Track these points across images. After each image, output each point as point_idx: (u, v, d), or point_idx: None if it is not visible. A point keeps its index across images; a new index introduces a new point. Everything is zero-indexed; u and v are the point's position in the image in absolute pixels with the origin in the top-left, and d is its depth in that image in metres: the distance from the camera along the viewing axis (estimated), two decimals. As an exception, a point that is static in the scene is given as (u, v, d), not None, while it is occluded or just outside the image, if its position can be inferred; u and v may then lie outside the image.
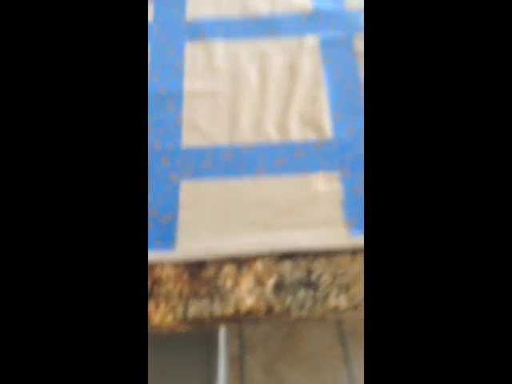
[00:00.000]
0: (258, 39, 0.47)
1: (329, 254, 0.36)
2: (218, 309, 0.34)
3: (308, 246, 0.36)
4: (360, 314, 0.35)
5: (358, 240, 0.36)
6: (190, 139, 0.41)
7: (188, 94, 0.43)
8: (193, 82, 0.44)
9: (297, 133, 0.41)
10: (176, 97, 0.43)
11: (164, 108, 0.43)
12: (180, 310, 0.34)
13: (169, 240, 0.36)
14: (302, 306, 0.34)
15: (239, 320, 0.34)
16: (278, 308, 0.34)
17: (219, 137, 0.41)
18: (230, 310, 0.34)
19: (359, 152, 0.40)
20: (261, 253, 0.36)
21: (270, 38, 0.47)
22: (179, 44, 0.47)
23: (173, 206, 0.38)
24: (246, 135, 0.41)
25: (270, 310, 0.34)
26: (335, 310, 0.35)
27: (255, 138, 0.41)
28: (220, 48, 0.47)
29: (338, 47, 0.46)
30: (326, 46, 0.46)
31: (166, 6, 0.50)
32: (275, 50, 0.46)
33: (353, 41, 0.47)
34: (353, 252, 0.36)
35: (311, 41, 0.47)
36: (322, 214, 0.37)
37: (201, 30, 0.48)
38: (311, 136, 0.41)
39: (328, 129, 0.41)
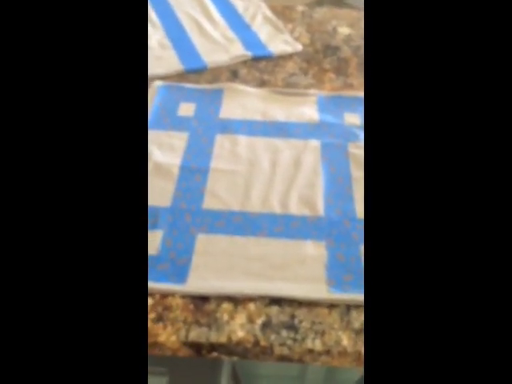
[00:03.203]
0: (273, 138, 0.60)
1: (310, 305, 0.43)
2: (214, 336, 0.41)
3: (293, 296, 0.43)
4: (332, 360, 0.42)
5: (336, 296, 0.44)
6: (209, 203, 0.51)
7: (213, 171, 0.55)
8: (217, 163, 0.56)
9: (295, 209, 0.51)
10: (203, 172, 0.55)
11: (193, 179, 0.54)
12: (183, 333, 0.41)
13: (182, 277, 0.44)
14: (283, 344, 0.41)
15: (230, 349, 0.41)
16: (263, 343, 0.41)
17: (233, 204, 0.51)
18: (223, 339, 0.41)
19: (344, 229, 0.49)
20: (254, 296, 0.43)
21: (282, 138, 0.60)
22: (211, 135, 0.60)
23: (189, 252, 0.47)
24: (255, 206, 0.51)
25: (256, 343, 0.41)
26: (311, 351, 0.41)
27: (262, 209, 0.51)
28: (242, 141, 0.59)
29: (335, 150, 0.58)
30: (325, 148, 0.59)
31: (204, 107, 0.64)
32: (285, 147, 0.59)
33: (347, 147, 0.59)
34: (330, 306, 0.43)
35: (314, 143, 0.59)
36: (308, 272, 0.45)
37: (229, 127, 0.61)
38: (306, 213, 0.51)
39: (321, 209, 0.51)
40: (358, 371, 0.85)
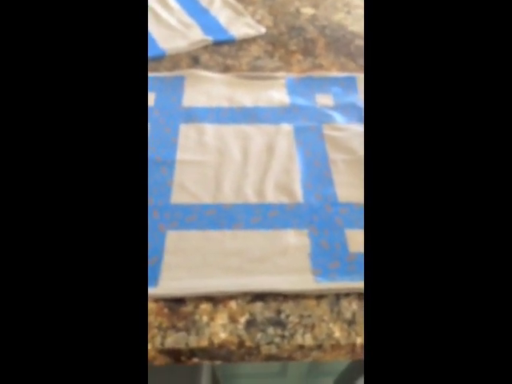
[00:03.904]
0: (242, 125, 0.56)
1: (296, 297, 0.40)
2: (193, 340, 0.37)
3: (278, 289, 0.40)
4: (324, 355, 0.38)
5: (323, 286, 0.40)
6: (178, 197, 0.47)
7: (179, 163, 0.51)
8: (184, 154, 0.52)
9: (272, 197, 0.48)
10: (169, 164, 0.50)
11: (159, 172, 0.49)
12: (158, 340, 0.36)
13: (153, 279, 0.40)
14: (270, 342, 0.37)
15: (213, 353, 0.37)
16: (248, 343, 0.37)
17: (204, 197, 0.47)
18: (204, 343, 0.37)
19: (325, 214, 0.46)
20: (235, 293, 0.39)
21: (252, 124, 0.56)
22: (175, 125, 0.56)
23: (159, 251, 0.42)
24: (228, 197, 0.47)
25: (241, 344, 0.37)
26: (301, 347, 0.38)
27: (236, 200, 0.47)
28: (209, 129, 0.55)
29: (309, 133, 0.55)
30: (299, 131, 0.55)
31: (165, 96, 0.60)
32: (256, 133, 0.55)
33: (322, 129, 0.56)
34: (318, 296, 0.40)
35: (287, 128, 0.56)
36: (291, 263, 0.42)
37: (194, 116, 0.57)
38: (284, 200, 0.47)
39: (299, 195, 0.48)
40: (343, 362, 0.83)
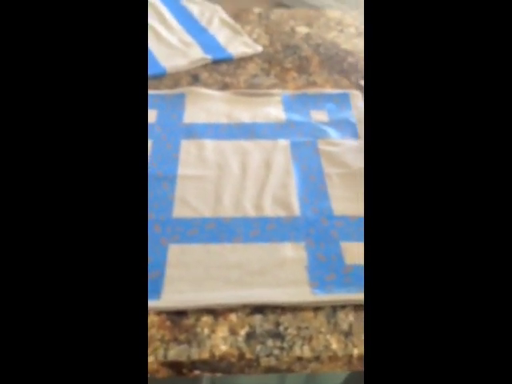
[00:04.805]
0: (241, 140, 0.58)
1: (294, 309, 0.41)
2: (195, 353, 0.38)
3: (276, 301, 0.41)
4: (322, 366, 0.39)
5: (320, 298, 0.42)
6: (179, 211, 0.48)
7: (181, 178, 0.52)
8: (185, 169, 0.53)
9: (270, 210, 0.49)
10: (170, 179, 0.52)
11: (160, 187, 0.51)
12: (161, 353, 0.37)
13: (155, 292, 0.41)
14: (270, 354, 0.38)
15: (214, 366, 0.38)
16: (248, 355, 0.38)
17: (205, 211, 0.48)
18: (205, 355, 0.38)
19: (321, 227, 0.48)
20: (235, 306, 0.41)
21: (250, 140, 0.58)
22: (176, 141, 0.57)
23: (161, 264, 0.43)
24: (228, 211, 0.49)
25: (241, 356, 0.38)
26: (299, 359, 0.39)
27: (235, 213, 0.48)
28: (209, 145, 0.57)
29: (304, 148, 0.57)
30: (295, 147, 0.57)
31: (166, 113, 0.61)
32: (254, 148, 0.57)
33: (317, 144, 0.57)
34: (315, 308, 0.41)
35: (283, 143, 0.57)
36: (289, 276, 0.43)
37: (194, 132, 0.59)
38: (282, 213, 0.49)
39: (296, 208, 0.49)
40: (341, 374, 0.84)
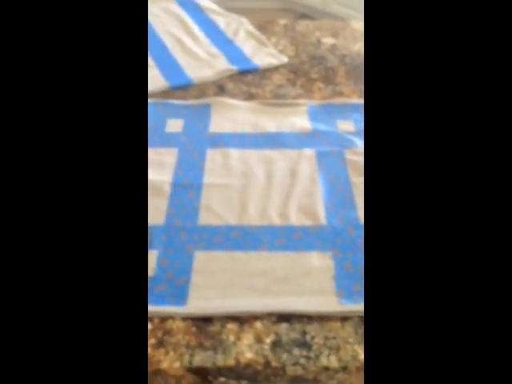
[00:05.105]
0: (266, 149, 0.58)
1: (321, 319, 0.41)
2: (220, 359, 0.37)
3: (303, 310, 0.40)
4: (349, 377, 0.39)
5: (347, 308, 0.41)
6: (205, 219, 0.48)
7: (206, 186, 0.52)
8: (210, 177, 0.54)
9: (296, 219, 0.49)
10: (196, 187, 0.52)
11: (186, 195, 0.51)
12: (186, 359, 0.37)
13: (181, 298, 0.41)
14: (296, 363, 0.38)
15: (239, 373, 0.38)
16: (274, 363, 0.38)
17: (230, 219, 0.49)
18: (231, 362, 0.37)
19: (348, 237, 0.47)
20: (260, 314, 0.40)
21: (275, 149, 0.58)
22: (202, 150, 0.58)
23: (187, 271, 0.43)
24: (253, 219, 0.49)
25: (267, 364, 0.38)
26: (326, 369, 0.38)
27: (260, 222, 0.48)
28: (234, 154, 0.57)
29: (331, 158, 0.57)
30: (321, 156, 0.57)
31: (192, 122, 0.62)
32: (279, 157, 0.57)
33: (344, 154, 0.57)
34: (343, 318, 0.41)
35: (309, 152, 0.57)
36: (315, 285, 0.43)
37: (220, 141, 0.59)
38: (308, 222, 0.48)
39: (322, 217, 0.49)
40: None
